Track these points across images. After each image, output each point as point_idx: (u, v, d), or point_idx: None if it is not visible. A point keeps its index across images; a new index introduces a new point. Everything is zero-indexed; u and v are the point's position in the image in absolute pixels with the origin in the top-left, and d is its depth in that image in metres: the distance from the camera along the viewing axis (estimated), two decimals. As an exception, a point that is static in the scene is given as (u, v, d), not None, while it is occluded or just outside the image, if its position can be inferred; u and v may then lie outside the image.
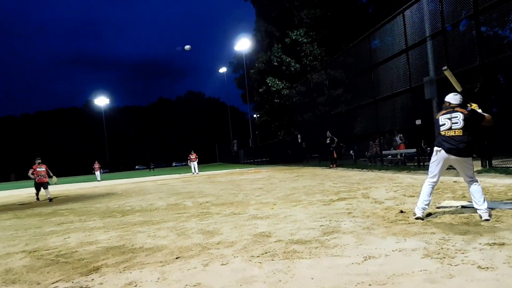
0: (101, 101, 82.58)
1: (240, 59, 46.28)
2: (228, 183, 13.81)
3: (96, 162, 31.20)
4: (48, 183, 13.11)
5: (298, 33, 29.41)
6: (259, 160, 39.36)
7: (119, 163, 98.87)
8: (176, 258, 3.60)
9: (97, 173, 31.04)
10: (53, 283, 3.15)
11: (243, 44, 42.74)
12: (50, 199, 12.43)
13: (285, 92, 30.95)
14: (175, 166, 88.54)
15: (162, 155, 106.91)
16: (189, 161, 28.42)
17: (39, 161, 13.29)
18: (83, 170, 76.37)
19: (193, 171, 27.25)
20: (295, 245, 3.72)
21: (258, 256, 3.42)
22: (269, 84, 31.75)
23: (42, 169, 13.02)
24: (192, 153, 27.97)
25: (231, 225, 5.05)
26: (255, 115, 50.40)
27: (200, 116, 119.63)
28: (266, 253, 3.52)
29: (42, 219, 7.67)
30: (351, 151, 18.58)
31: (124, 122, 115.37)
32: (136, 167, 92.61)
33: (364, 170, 14.29)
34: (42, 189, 12.92)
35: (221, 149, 73.99)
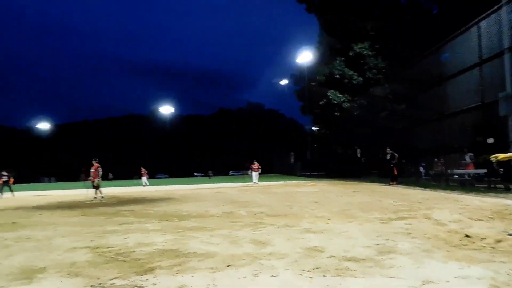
0: (166, 109, 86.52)
1: (302, 72, 46.30)
2: (283, 195, 13.74)
3: (142, 168, 31.58)
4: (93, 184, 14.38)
5: (362, 46, 28.86)
6: (315, 173, 38.84)
7: (179, 169, 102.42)
8: (227, 266, 3.62)
9: (144, 178, 31.28)
10: (111, 279, 3.30)
11: (305, 57, 42.73)
12: (95, 198, 13.88)
13: (346, 106, 30.40)
14: (232, 175, 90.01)
15: (220, 164, 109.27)
16: (250, 170, 28.13)
17: (97, 161, 14.67)
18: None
19: (253, 180, 26.76)
20: (348, 262, 3.59)
21: (309, 271, 3.34)
22: (330, 97, 31.36)
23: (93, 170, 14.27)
24: (254, 162, 27.45)
25: (284, 237, 5.00)
26: (314, 128, 49.93)
27: (259, 127, 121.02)
28: (317, 268, 3.43)
29: (106, 218, 8.12)
30: (420, 168, 17.67)
31: (185, 130, 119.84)
32: (195, 174, 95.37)
33: (427, 189, 13.53)
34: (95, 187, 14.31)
35: (277, 160, 74.02)
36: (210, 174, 62.15)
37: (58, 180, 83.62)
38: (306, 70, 43.36)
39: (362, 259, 3.67)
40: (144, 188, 24.71)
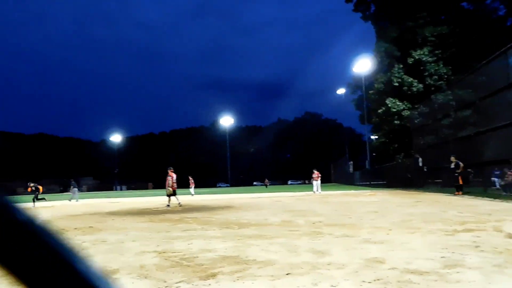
0: (226, 120, 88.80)
1: (359, 80, 45.42)
2: (341, 204, 13.53)
3: (190, 178, 31.03)
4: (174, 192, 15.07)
5: (421, 52, 27.75)
6: (375, 182, 37.63)
7: (239, 178, 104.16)
8: (287, 274, 3.69)
9: (192, 188, 30.57)
10: (176, 283, 3.52)
11: (362, 65, 41.98)
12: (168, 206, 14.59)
13: (406, 114, 29.27)
14: (291, 184, 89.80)
15: (278, 173, 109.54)
16: (312, 179, 27.44)
17: (171, 169, 15.41)
18: (207, 184, 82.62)
19: (314, 190, 26.14)
20: (411, 275, 3.50)
21: (369, 282, 3.31)
22: (389, 105, 30.39)
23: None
24: (314, 171, 26.82)
25: (343, 247, 4.97)
26: (372, 137, 48.54)
27: (316, 137, 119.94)
28: (378, 279, 3.39)
29: (171, 224, 8.53)
30: (494, 178, 16.47)
31: (245, 140, 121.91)
32: (254, 183, 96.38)
33: (497, 200, 12.59)
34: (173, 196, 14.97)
35: (336, 169, 72.75)
36: (267, 183, 62.49)
37: (128, 189, 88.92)
38: (363, 78, 42.49)
39: (426, 272, 3.56)
40: (193, 197, 25.45)
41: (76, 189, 27.01)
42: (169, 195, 15.02)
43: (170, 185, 14.98)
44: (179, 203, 14.80)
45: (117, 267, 4.23)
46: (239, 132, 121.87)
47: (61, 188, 78.29)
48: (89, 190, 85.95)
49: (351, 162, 54.87)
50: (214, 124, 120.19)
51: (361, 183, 45.67)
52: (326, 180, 77.84)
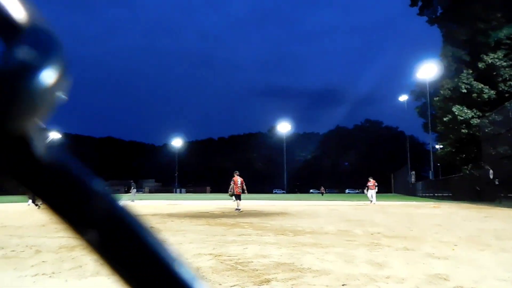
0: (284, 127, 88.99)
1: (423, 87, 43.37)
2: (402, 215, 12.93)
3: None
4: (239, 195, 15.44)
5: (495, 56, 25.87)
6: (439, 194, 35.58)
7: (295, 185, 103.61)
8: (342, 285, 3.59)
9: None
10: (231, 286, 3.55)
11: (427, 71, 40.05)
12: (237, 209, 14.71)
13: (475, 122, 27.40)
14: (348, 193, 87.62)
15: (336, 181, 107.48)
16: (367, 188, 25.26)
17: (237, 173, 15.85)
18: (263, 190, 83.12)
19: (370, 199, 24.36)
20: (478, 294, 3.26)
21: (431, 299, 3.13)
22: (456, 113, 28.63)
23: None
24: (370, 179, 24.71)
25: (403, 261, 4.74)
26: (437, 146, 46.06)
27: (376, 145, 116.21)
28: (441, 297, 3.19)
29: (227, 228, 8.67)
30: None
31: (302, 147, 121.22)
32: (310, 190, 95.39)
33: None
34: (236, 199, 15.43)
35: (396, 179, 69.85)
36: (324, 191, 61.51)
37: (187, 192, 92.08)
38: (428, 84, 40.48)
39: (496, 293, 3.29)
40: (258, 202, 25.52)
41: (135, 190, 28.55)
42: (235, 199, 15.36)
43: (230, 189, 15.40)
44: (238, 208, 14.98)
45: (175, 267, 4.36)
46: (296, 139, 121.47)
47: (125, 189, 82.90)
48: (150, 192, 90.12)
49: (413, 172, 52.35)
50: (271, 130, 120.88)
51: (423, 194, 43.51)
52: (386, 190, 75.08)
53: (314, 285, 3.59)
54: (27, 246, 5.98)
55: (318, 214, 13.70)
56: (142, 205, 21.70)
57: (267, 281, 3.73)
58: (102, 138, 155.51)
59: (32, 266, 4.48)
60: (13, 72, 0.21)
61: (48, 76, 0.22)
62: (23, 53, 0.22)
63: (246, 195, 16.43)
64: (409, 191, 51.86)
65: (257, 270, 4.19)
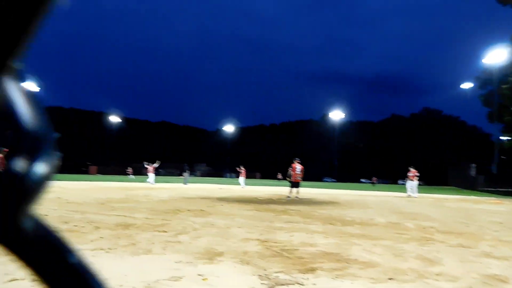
0: (336, 115, 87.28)
1: (489, 74, 40.40)
2: (458, 210, 12.29)
3: (242, 167, 28.35)
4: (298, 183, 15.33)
5: None
6: (503, 189, 33.33)
7: (345, 174, 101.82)
8: (389, 279, 3.50)
9: (241, 178, 28.07)
10: (275, 272, 3.59)
11: (495, 56, 37.14)
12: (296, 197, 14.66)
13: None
14: (401, 184, 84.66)
15: (388, 171, 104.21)
16: (406, 179, 22.76)
17: (298, 160, 15.68)
18: (312, 177, 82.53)
19: (408, 192, 21.74)
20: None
21: (485, 300, 2.97)
22: None
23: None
24: (410, 169, 22.23)
25: (456, 258, 4.52)
26: (503, 137, 42.98)
27: (435, 135, 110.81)
28: (496, 299, 3.02)
29: (275, 215, 8.74)
30: None
31: (355, 135, 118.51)
32: (361, 180, 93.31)
33: None
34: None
35: (454, 172, 66.29)
36: (375, 181, 59.90)
37: (237, 176, 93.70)
38: (496, 71, 37.59)
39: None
40: (308, 190, 25.35)
41: (187, 173, 29.47)
42: (292, 186, 15.34)
43: (289, 176, 15.39)
44: (288, 196, 14.95)
45: (222, 250, 4.48)
46: (349, 127, 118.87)
47: (178, 172, 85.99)
48: (202, 175, 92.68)
49: (474, 165, 49.36)
50: (323, 117, 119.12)
51: (484, 189, 40.98)
52: (442, 183, 71.66)
53: (359, 277, 3.54)
54: (87, 222, 6.41)
55: (368, 205, 13.40)
56: (194, 188, 22.43)
57: (312, 269, 3.73)
58: (158, 122, 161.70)
59: (92, 241, 4.80)
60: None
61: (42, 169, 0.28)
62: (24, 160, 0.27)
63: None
64: (468, 185, 49.05)
65: (302, 258, 4.20)
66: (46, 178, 0.29)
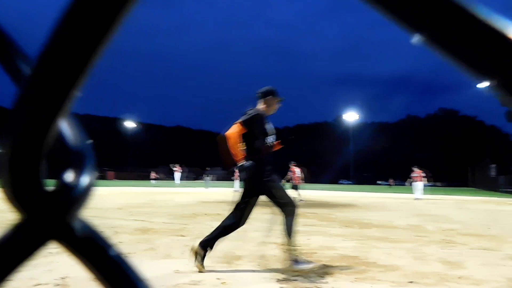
0: (351, 116, 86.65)
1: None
2: (480, 212, 12.05)
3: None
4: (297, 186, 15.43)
5: None
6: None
7: (361, 176, 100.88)
8: (410, 282, 3.45)
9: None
10: (294, 276, 3.58)
11: None
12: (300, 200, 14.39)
13: None
14: (427, 186, 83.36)
15: (405, 173, 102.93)
16: (410, 179, 21.18)
17: (294, 164, 15.90)
18: (328, 179, 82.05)
19: (414, 194, 20.35)
20: None
21: (510, 304, 2.90)
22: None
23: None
24: (414, 169, 20.88)
25: (479, 261, 4.42)
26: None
27: (452, 135, 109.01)
28: (522, 302, 2.94)
29: (291, 218, 8.69)
30: None
31: (370, 137, 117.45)
32: (378, 182, 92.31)
33: None
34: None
35: (474, 173, 65.06)
36: (392, 183, 59.20)
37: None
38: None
39: None
40: (324, 192, 25.20)
41: (208, 178, 29.68)
42: (296, 189, 15.41)
43: (288, 179, 15.53)
44: (302, 200, 14.95)
45: (240, 254, 4.49)
46: (364, 128, 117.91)
47: (194, 176, 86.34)
48: (217, 179, 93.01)
49: (494, 165, 48.34)
50: (338, 119, 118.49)
51: (507, 189, 40.06)
52: (462, 184, 70.42)
53: (379, 280, 3.49)
54: (106, 227, 6.50)
55: (387, 207, 13.25)
56: (211, 192, 22.52)
57: (331, 273, 3.70)
58: (172, 127, 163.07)
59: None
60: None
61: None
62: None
63: (310, 185, 16.37)
64: (489, 186, 48.06)
65: (321, 262, 4.17)
66: (90, 187, 0.34)
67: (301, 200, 14.63)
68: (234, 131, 3.72)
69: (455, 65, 0.23)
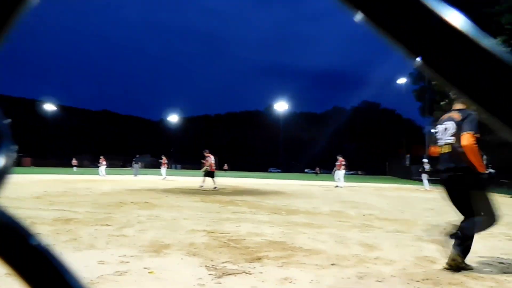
0: (281, 106, 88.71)
1: (421, 70, 43.08)
2: (395, 198, 13.10)
3: (163, 158, 26.56)
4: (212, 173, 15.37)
5: (496, 41, 25.65)
6: (434, 178, 35.87)
7: (290, 164, 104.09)
8: (332, 265, 3.67)
9: (163, 169, 26.06)
10: (223, 262, 3.62)
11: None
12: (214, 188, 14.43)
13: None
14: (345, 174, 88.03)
15: (331, 161, 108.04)
16: (335, 168, 21.67)
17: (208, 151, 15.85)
18: (257, 167, 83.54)
19: (336, 182, 20.78)
20: (464, 277, 3.34)
21: (418, 281, 3.20)
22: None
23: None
24: (338, 158, 21.24)
25: (393, 243, 4.83)
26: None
27: (373, 127, 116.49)
28: (427, 279, 3.27)
29: (221, 206, 8.76)
30: None
31: (299, 127, 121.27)
32: (305, 170, 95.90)
33: None
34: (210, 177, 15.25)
35: (391, 162, 70.31)
36: (318, 171, 61.95)
37: (182, 168, 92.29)
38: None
39: (481, 277, 3.38)
40: (254, 180, 25.70)
41: (137, 165, 28.63)
42: (210, 176, 15.24)
43: (208, 165, 15.30)
44: (216, 187, 14.68)
45: (169, 242, 4.43)
46: (293, 118, 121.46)
47: (121, 164, 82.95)
48: (146, 167, 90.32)
49: (409, 155, 52.63)
50: (268, 108, 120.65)
51: (418, 178, 43.80)
52: (380, 173, 75.72)
53: (304, 263, 3.66)
54: (21, 217, 6.01)
55: (312, 194, 13.85)
56: (139, 180, 21.81)
57: (259, 258, 3.80)
58: (99, 111, 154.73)
59: (28, 237, 4.52)
60: None
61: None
62: None
63: (240, 173, 16.34)
64: (404, 174, 52.22)
65: (249, 248, 4.27)
66: (7, 169, 0.30)
67: (215, 187, 14.55)
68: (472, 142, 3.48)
69: (389, 41, 0.23)
